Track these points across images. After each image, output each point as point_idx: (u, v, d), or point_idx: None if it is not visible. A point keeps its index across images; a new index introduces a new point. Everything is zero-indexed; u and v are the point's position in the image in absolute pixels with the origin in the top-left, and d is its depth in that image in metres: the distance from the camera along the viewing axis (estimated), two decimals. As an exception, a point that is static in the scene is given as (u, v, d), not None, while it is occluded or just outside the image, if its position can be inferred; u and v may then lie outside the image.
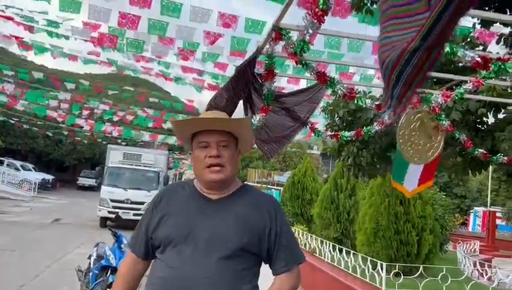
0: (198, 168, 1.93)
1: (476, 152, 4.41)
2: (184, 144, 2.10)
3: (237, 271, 1.81)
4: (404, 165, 4.16)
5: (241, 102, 3.66)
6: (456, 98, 3.55)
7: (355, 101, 3.23)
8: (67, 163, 41.14)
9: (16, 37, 10.84)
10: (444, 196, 13.36)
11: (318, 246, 9.19)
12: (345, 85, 3.19)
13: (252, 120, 3.54)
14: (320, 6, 2.32)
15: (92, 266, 6.61)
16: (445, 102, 3.62)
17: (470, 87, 3.33)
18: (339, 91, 3.09)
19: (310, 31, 2.52)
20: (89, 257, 6.94)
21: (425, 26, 0.97)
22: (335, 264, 7.87)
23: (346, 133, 4.23)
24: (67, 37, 10.32)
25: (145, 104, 24.65)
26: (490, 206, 23.35)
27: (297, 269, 1.99)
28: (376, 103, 3.42)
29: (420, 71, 1.06)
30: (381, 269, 6.37)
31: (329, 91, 3.43)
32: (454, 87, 4.44)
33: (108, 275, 5.98)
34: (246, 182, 2.16)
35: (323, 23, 2.44)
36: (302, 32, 2.61)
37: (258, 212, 1.93)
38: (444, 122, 3.97)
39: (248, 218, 1.89)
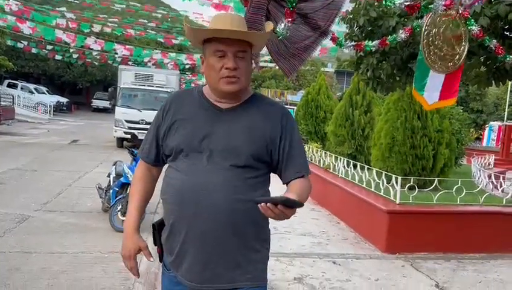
0: (213, 77, 1.84)
1: (508, 59, 4.17)
2: (193, 44, 1.99)
3: (249, 179, 1.82)
4: (425, 72, 3.92)
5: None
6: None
7: (384, 2, 2.96)
8: (80, 85, 41.23)
9: None
10: (461, 111, 13.10)
11: (332, 162, 9.24)
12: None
13: (277, 30, 3.29)
14: None
15: (111, 183, 6.80)
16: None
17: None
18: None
19: None
20: (108, 175, 7.13)
21: None
22: (349, 179, 7.93)
23: (371, 43, 3.96)
24: None
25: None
26: (506, 120, 23.10)
27: (308, 178, 1.97)
28: (406, 3, 3.14)
29: None
30: (396, 182, 6.39)
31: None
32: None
33: (127, 191, 6.14)
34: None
35: None
36: None
37: (269, 121, 1.89)
38: (473, 27, 3.72)
39: (258, 127, 1.86)
